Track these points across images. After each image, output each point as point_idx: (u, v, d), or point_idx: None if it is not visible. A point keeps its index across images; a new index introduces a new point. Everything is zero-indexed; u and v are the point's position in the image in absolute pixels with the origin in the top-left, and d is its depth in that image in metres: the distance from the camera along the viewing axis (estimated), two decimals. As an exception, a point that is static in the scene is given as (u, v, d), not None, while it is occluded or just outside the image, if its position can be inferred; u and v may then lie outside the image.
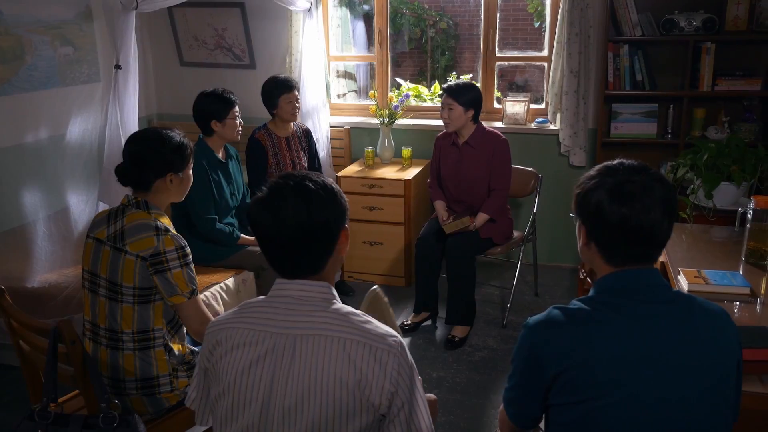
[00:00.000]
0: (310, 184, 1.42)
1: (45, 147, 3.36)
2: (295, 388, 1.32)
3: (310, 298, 1.40)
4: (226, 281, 3.15)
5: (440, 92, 3.60)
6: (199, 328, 2.12)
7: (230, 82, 4.63)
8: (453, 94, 3.47)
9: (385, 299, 1.87)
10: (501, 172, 3.54)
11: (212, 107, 3.22)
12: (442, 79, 4.99)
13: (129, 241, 2.04)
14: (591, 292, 1.46)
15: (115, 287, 2.06)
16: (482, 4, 4.37)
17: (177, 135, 2.20)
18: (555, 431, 1.44)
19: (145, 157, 2.12)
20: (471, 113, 3.48)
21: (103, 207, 3.00)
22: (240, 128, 3.33)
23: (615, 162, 1.47)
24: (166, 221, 2.13)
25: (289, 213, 1.38)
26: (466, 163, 3.56)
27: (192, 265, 2.10)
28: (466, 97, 3.47)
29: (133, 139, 2.20)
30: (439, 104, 4.78)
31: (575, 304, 1.43)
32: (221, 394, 1.39)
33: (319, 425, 1.31)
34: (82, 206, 3.33)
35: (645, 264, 1.43)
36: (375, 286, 1.88)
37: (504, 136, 3.59)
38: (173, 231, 2.11)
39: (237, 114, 3.29)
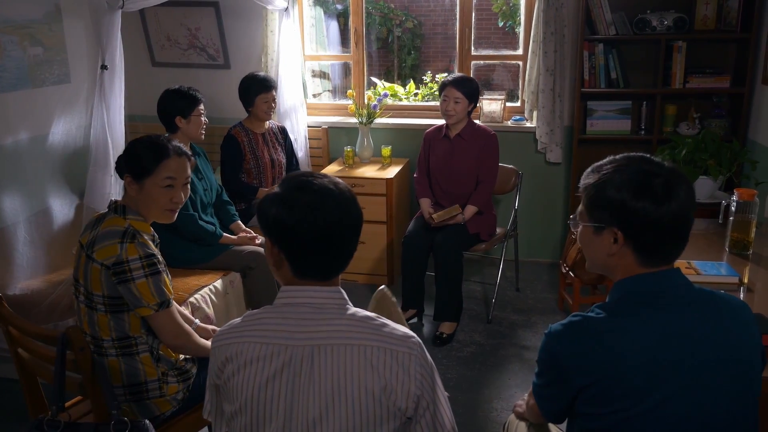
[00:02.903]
0: (343, 186, 1.41)
1: (24, 149, 3.25)
2: (318, 400, 1.29)
3: (324, 305, 1.37)
4: (215, 283, 3.11)
5: (442, 83, 3.62)
6: (173, 342, 2.04)
7: (204, 82, 4.57)
8: (460, 86, 3.52)
9: (393, 299, 1.87)
10: (489, 165, 3.62)
11: (177, 104, 3.21)
12: (409, 79, 5.02)
13: (96, 249, 1.95)
14: (610, 298, 1.43)
15: (89, 295, 1.99)
16: (457, 3, 4.41)
17: (161, 141, 2.08)
18: None
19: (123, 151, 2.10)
20: (471, 106, 3.56)
21: (88, 210, 2.92)
22: (204, 126, 3.31)
23: (621, 159, 1.42)
24: (142, 227, 2.03)
25: (344, 213, 1.37)
26: (456, 155, 3.62)
27: (162, 275, 1.99)
28: (470, 90, 3.55)
29: None
30: (415, 103, 4.84)
31: (598, 312, 1.39)
32: (237, 411, 1.35)
33: None
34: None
35: (672, 263, 1.41)
36: (382, 286, 1.87)
37: (494, 132, 3.65)
38: (144, 239, 2.00)
39: (202, 112, 3.28)
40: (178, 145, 2.12)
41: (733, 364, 1.34)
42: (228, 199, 3.52)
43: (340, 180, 1.43)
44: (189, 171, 2.14)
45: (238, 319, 1.42)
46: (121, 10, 2.68)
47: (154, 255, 1.98)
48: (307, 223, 1.33)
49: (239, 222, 3.48)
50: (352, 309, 1.39)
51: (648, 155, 1.43)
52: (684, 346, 1.33)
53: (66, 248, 3.27)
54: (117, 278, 1.93)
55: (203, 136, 3.31)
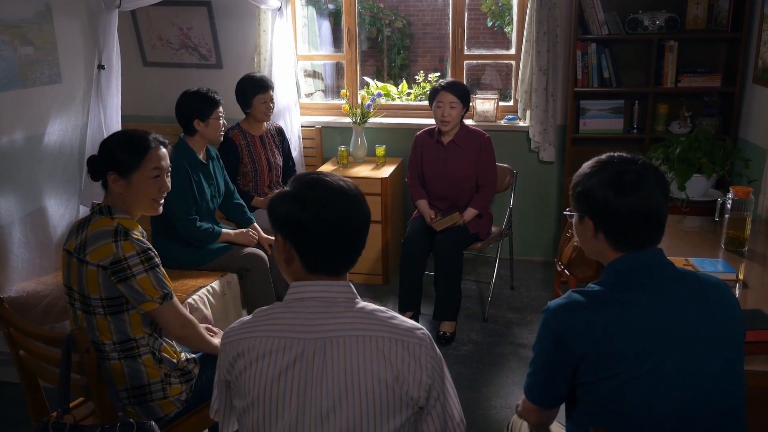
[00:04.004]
0: (353, 184, 1.45)
1: (16, 150, 3.21)
2: (330, 391, 1.31)
3: (334, 299, 1.39)
4: (212, 284, 3.10)
5: (434, 90, 3.57)
6: (179, 333, 2.06)
7: (196, 82, 4.51)
8: (454, 90, 3.48)
9: None
10: (489, 169, 3.61)
11: (196, 106, 3.16)
12: (399, 78, 5.03)
13: (89, 251, 1.93)
14: (603, 277, 1.54)
15: (86, 299, 1.97)
16: (450, 3, 4.43)
17: (140, 134, 2.07)
18: (585, 409, 1.51)
19: (98, 151, 2.06)
20: (464, 110, 3.54)
21: (84, 211, 2.89)
22: (223, 129, 3.27)
23: (605, 156, 1.56)
24: (130, 225, 2.02)
25: (355, 209, 1.41)
26: (452, 160, 3.60)
27: (160, 268, 2.00)
28: (464, 93, 3.52)
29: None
30: (407, 103, 4.84)
31: (592, 287, 1.50)
32: (249, 406, 1.35)
33: (359, 425, 1.30)
34: (61, 210, 3.19)
35: (651, 246, 1.51)
36: None
37: (488, 135, 3.65)
38: (136, 235, 1.99)
39: (221, 114, 3.24)
40: (156, 135, 2.13)
41: (719, 331, 1.45)
42: (241, 201, 3.50)
43: (348, 179, 1.47)
44: (169, 159, 2.15)
45: (248, 316, 1.43)
46: (118, 9, 2.65)
47: (150, 249, 1.98)
48: (318, 217, 1.37)
49: (256, 225, 3.45)
50: (362, 303, 1.41)
51: (629, 155, 1.55)
52: (674, 314, 1.43)
53: (60, 250, 3.24)
54: (116, 277, 1.92)
55: (222, 138, 3.28)
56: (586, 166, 1.55)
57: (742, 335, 1.50)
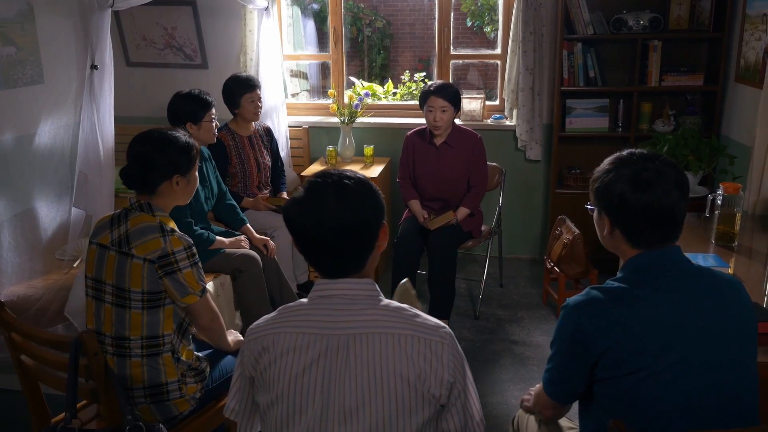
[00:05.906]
0: (349, 182, 1.40)
1: (6, 151, 3.16)
2: (354, 388, 1.31)
3: (357, 297, 1.39)
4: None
5: (425, 93, 3.52)
6: (209, 325, 2.14)
7: (181, 82, 4.51)
8: (444, 94, 3.44)
9: (414, 292, 1.91)
10: (480, 169, 3.62)
11: (188, 109, 3.12)
12: (380, 78, 5.04)
13: (135, 245, 1.98)
14: (621, 273, 1.55)
15: (123, 293, 1.99)
16: (436, 3, 4.45)
17: (183, 135, 2.16)
18: (601, 404, 1.52)
19: (151, 159, 2.06)
20: (456, 112, 3.53)
21: (76, 213, 2.85)
22: (216, 130, 3.24)
23: (625, 153, 1.56)
24: (169, 222, 2.09)
25: (331, 213, 1.36)
26: (445, 163, 3.59)
27: (200, 263, 2.08)
28: (454, 95, 3.49)
29: (138, 140, 2.12)
30: (394, 102, 4.86)
31: (611, 283, 1.52)
32: (274, 401, 1.36)
33: (383, 423, 1.31)
34: (52, 213, 3.15)
35: (669, 243, 1.53)
36: (405, 280, 1.90)
37: (479, 135, 3.66)
38: (179, 232, 2.07)
39: (213, 116, 3.20)
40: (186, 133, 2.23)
41: (735, 333, 1.47)
42: (233, 202, 3.47)
43: (352, 176, 1.43)
44: None
45: (273, 313, 1.45)
46: (111, 8, 2.62)
47: (193, 245, 2.05)
48: (301, 223, 1.38)
49: (248, 225, 3.43)
50: (385, 300, 1.42)
51: (649, 152, 1.55)
52: (691, 310, 1.45)
53: (51, 252, 3.19)
54: (163, 270, 1.97)
55: (215, 139, 3.25)
56: (607, 162, 1.56)
57: (754, 330, 1.52)
